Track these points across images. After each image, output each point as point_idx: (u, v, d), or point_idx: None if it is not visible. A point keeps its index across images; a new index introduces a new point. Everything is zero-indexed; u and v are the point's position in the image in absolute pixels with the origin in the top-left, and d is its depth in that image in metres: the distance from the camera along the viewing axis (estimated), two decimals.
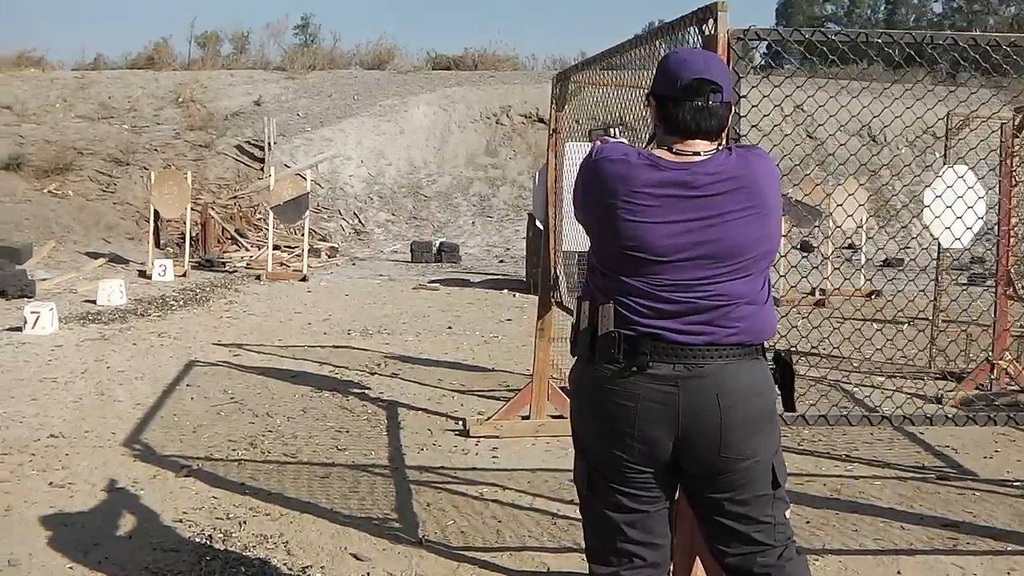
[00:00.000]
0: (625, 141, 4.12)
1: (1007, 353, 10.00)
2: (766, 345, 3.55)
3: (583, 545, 5.57)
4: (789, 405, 3.63)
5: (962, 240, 9.18)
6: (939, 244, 10.63)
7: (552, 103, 7.83)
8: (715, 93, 3.42)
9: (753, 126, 4.51)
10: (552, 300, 7.86)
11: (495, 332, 13.48)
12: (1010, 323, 10.15)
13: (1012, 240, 9.96)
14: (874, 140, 25.36)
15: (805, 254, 19.41)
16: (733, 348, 3.41)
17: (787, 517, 3.60)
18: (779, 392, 3.60)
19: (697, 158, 3.40)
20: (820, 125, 4.76)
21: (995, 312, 9.95)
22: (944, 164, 10.33)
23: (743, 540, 3.53)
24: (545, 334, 7.99)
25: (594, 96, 7.27)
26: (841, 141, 6.47)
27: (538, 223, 14.85)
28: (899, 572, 5.44)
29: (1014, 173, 9.79)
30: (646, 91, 3.70)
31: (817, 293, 16.34)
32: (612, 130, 4.12)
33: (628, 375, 3.40)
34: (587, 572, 5.23)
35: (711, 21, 4.35)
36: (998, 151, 9.57)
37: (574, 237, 7.90)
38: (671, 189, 3.35)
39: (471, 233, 26.25)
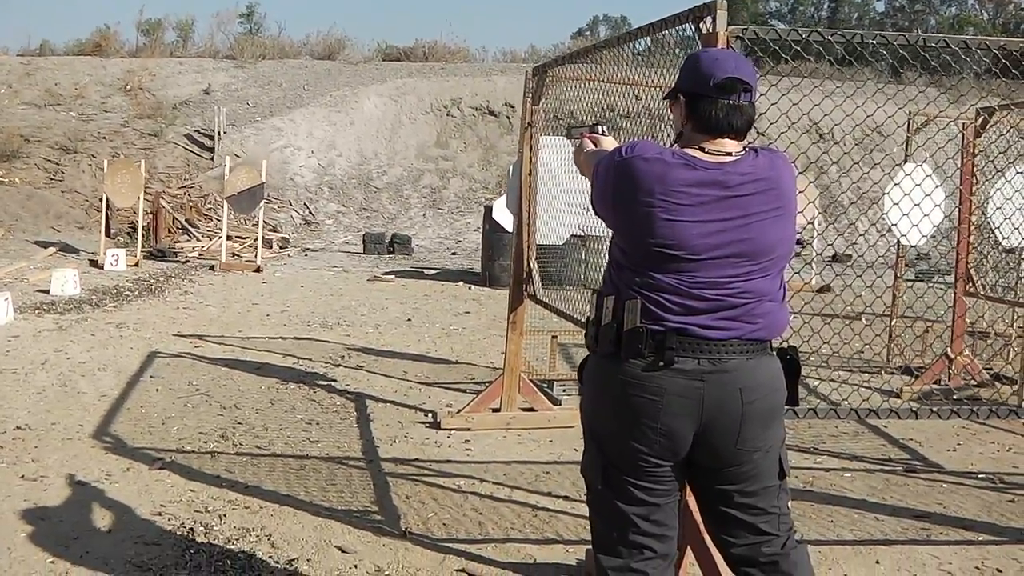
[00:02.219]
0: (612, 138, 4.15)
1: (964, 348, 10.16)
2: (773, 342, 3.62)
3: (565, 537, 5.67)
4: (793, 399, 3.68)
5: (924, 236, 9.33)
6: (898, 241, 10.78)
7: (527, 96, 7.85)
8: (746, 92, 3.48)
9: None
10: (525, 293, 7.88)
11: (454, 324, 13.52)
12: (966, 319, 10.32)
13: (971, 238, 10.11)
14: (822, 137, 25.61)
15: None
16: (754, 343, 3.48)
17: (789, 507, 3.68)
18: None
19: (729, 158, 3.46)
20: (772, 123, 4.83)
21: (953, 308, 10.10)
22: (905, 162, 10.46)
23: (750, 530, 3.60)
24: (517, 327, 8.01)
25: (573, 91, 7.32)
26: (791, 138, 6.54)
27: (494, 215, 14.89)
28: (877, 562, 5.53)
29: (974, 173, 9.95)
30: (665, 88, 3.74)
31: None
32: (600, 127, 4.13)
33: (654, 370, 3.43)
34: (573, 564, 5.32)
35: (709, 19, 4.40)
36: (960, 151, 9.74)
37: (548, 230, 7.95)
38: (706, 189, 3.39)
39: (422, 225, 26.24)
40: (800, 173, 15.65)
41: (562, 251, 9.38)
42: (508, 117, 28.89)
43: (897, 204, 8.59)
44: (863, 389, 9.04)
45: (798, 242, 19.55)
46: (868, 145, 20.40)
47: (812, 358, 9.78)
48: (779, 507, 3.62)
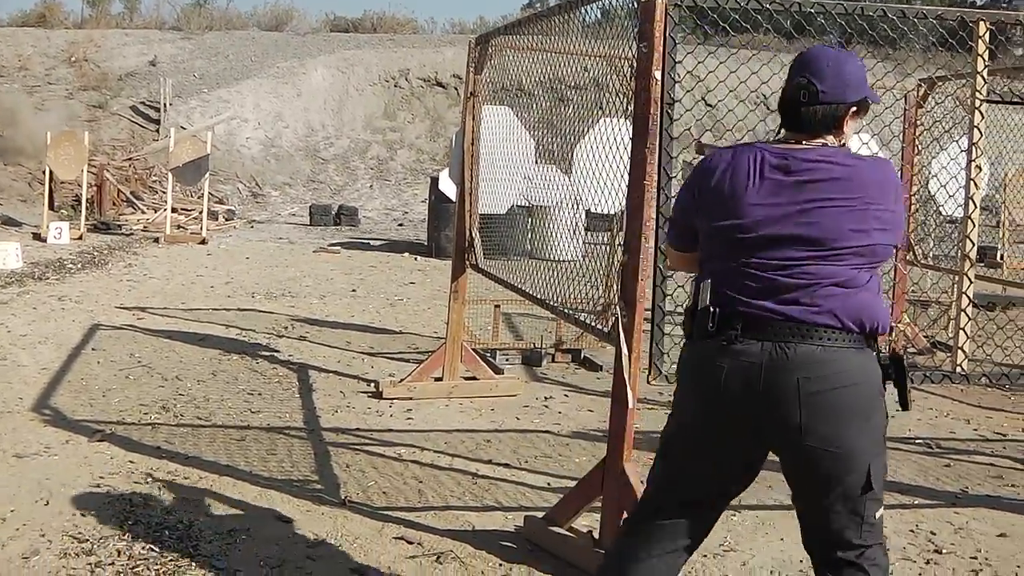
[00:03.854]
0: None
1: (905, 316, 10.27)
2: (879, 344, 3.53)
3: (505, 504, 5.72)
4: (904, 404, 3.57)
5: None
6: None
7: (470, 66, 7.84)
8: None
9: (678, 101, 4.59)
10: (467, 263, 7.89)
11: (399, 295, 13.54)
12: (907, 288, 10.44)
13: (912, 207, 10.21)
14: (768, 107, 25.75)
15: None
16: (822, 330, 3.40)
17: (877, 518, 3.50)
18: (895, 389, 3.54)
19: (799, 147, 3.52)
20: (704, 90, 4.91)
21: (894, 277, 10.19)
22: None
23: (825, 531, 3.54)
24: (459, 296, 8.03)
25: (519, 61, 7.32)
26: (734, 107, 6.64)
27: (440, 186, 14.87)
28: None
29: (916, 142, 10.03)
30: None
31: None
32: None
33: (719, 350, 3.48)
34: (511, 531, 5.37)
35: None
36: (902, 121, 9.82)
37: (491, 199, 7.96)
38: (772, 173, 3.48)
39: (369, 196, 26.17)
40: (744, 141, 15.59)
41: (508, 221, 9.42)
42: (456, 89, 28.78)
43: None
44: None
45: None
46: None
47: None
48: (862, 516, 3.47)
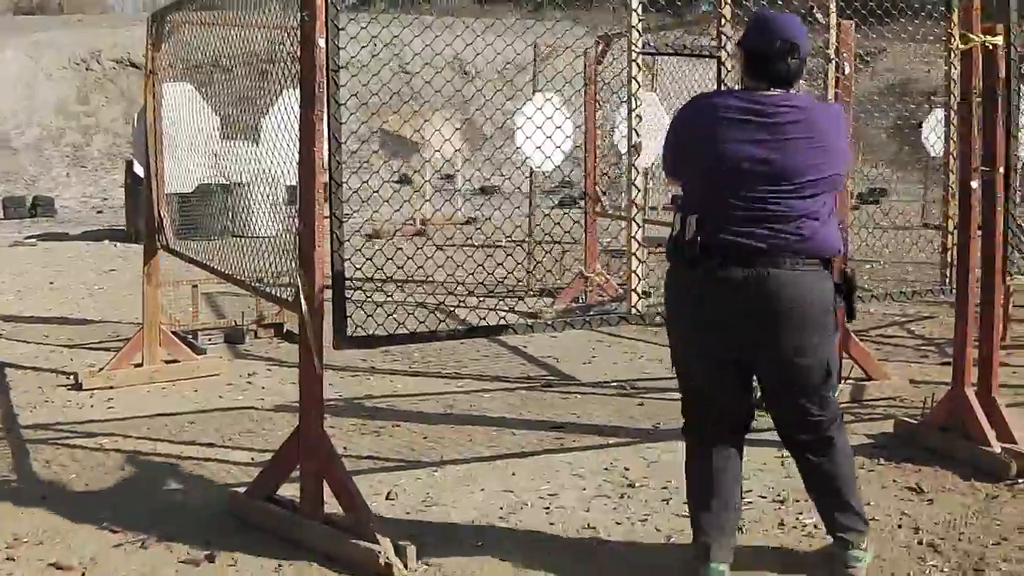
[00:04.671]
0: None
1: (597, 266, 10.69)
2: (835, 264, 4.23)
3: (216, 482, 5.71)
4: (851, 314, 4.28)
5: (552, 161, 9.70)
6: (531, 169, 11.14)
7: (149, 43, 7.70)
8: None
9: (343, 67, 4.66)
10: (158, 244, 7.77)
11: (99, 284, 13.22)
12: (597, 239, 10.86)
13: (596, 161, 10.61)
14: (465, 73, 26.12)
15: (402, 186, 19.76)
16: (795, 256, 4.02)
17: (834, 396, 4.29)
18: (843, 303, 4.23)
19: (768, 93, 4.09)
20: (417, 57, 5.03)
21: (585, 228, 10.58)
22: (533, 91, 10.82)
23: (797, 422, 4.29)
24: (152, 279, 7.92)
25: (195, 35, 7.22)
26: (431, 75, 6.77)
27: (135, 169, 14.50)
28: (513, 474, 5.81)
29: (596, 98, 10.42)
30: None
31: (417, 222, 16.96)
32: None
33: (704, 275, 4.05)
34: (217, 509, 5.38)
35: None
36: (582, 78, 10.18)
37: (178, 178, 7.85)
38: (749, 116, 4.02)
39: (66, 185, 25.37)
40: (442, 109, 15.60)
41: (205, 199, 9.29)
42: None
43: (520, 130, 8.90)
44: (507, 313, 9.38)
45: (404, 179, 19.90)
46: (507, 77, 20.94)
47: (459, 288, 10.07)
48: (824, 397, 4.24)
